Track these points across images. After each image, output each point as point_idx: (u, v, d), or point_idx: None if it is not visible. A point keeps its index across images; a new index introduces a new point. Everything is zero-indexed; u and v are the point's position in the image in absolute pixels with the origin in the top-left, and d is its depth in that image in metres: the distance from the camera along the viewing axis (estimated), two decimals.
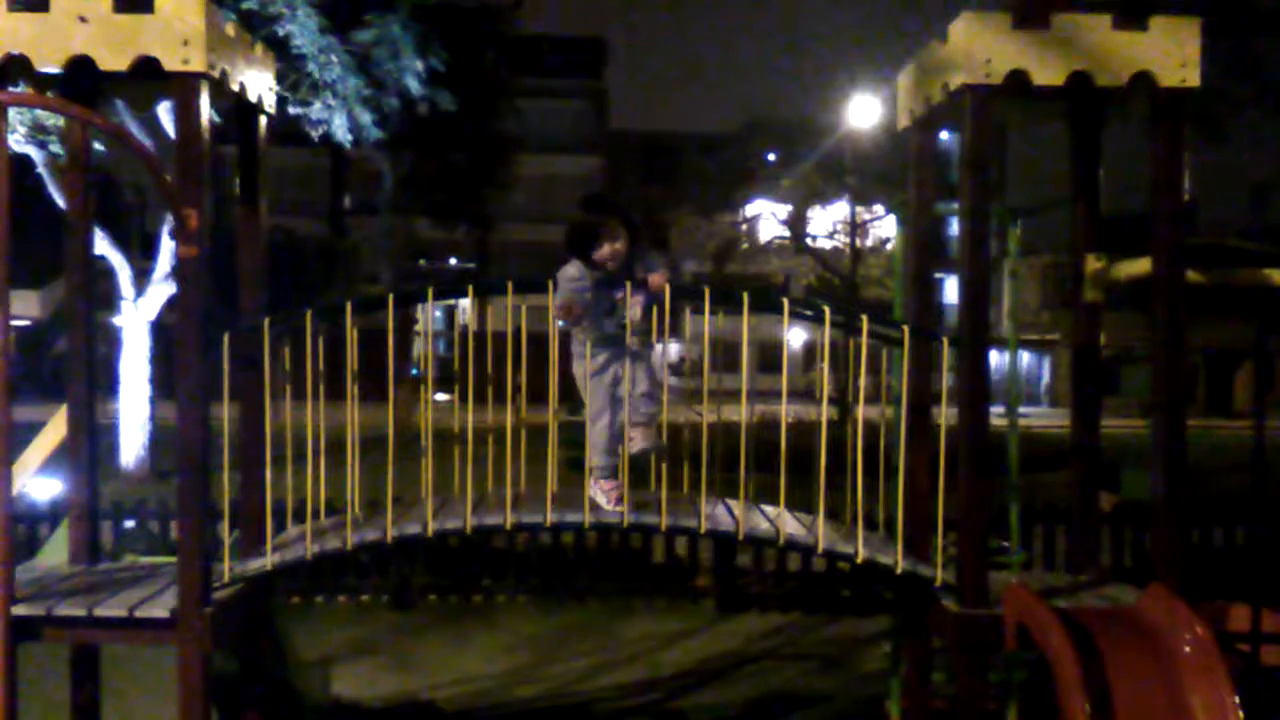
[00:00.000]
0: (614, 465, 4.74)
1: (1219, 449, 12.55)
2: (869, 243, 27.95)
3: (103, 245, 15.46)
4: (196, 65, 4.22)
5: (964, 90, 4.27)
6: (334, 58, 13.78)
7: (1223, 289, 4.88)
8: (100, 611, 4.20)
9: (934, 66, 4.61)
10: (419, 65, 14.94)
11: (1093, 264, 4.93)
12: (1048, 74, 4.25)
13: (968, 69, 4.23)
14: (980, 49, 4.22)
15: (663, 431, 4.83)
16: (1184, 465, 4.37)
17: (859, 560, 4.56)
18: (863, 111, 23.52)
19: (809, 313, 4.93)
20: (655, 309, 4.82)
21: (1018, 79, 4.25)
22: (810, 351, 40.39)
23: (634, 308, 4.71)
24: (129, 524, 8.55)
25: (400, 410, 4.80)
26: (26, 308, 33.90)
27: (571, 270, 4.65)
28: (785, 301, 4.67)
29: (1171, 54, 4.26)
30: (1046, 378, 43.38)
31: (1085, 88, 4.31)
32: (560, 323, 4.63)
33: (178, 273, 4.38)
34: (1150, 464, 4.42)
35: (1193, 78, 4.27)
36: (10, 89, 4.40)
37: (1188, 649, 3.80)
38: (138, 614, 4.20)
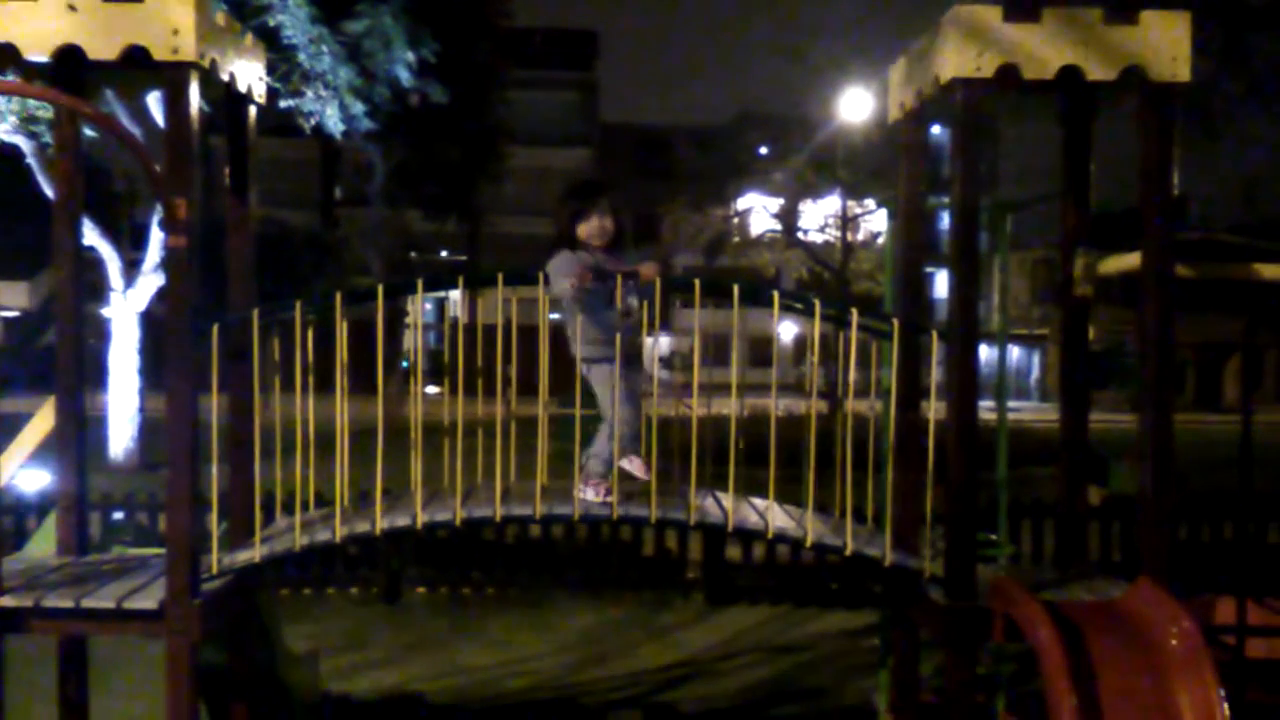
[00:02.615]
0: (607, 470, 4.72)
1: (1208, 443, 12.60)
2: (860, 237, 27.96)
3: (92, 236, 15.41)
4: (186, 55, 4.20)
5: (954, 84, 4.27)
6: (325, 48, 13.75)
7: (1213, 284, 4.90)
8: (88, 603, 4.18)
9: (925, 60, 4.61)
10: (410, 56, 14.91)
11: (1082, 259, 4.93)
12: (1038, 68, 4.26)
13: (958, 62, 4.23)
14: (971, 43, 4.22)
15: (652, 427, 4.83)
16: (1171, 460, 4.38)
17: (847, 553, 4.57)
18: (855, 105, 23.51)
19: (799, 306, 4.93)
20: (645, 302, 4.82)
21: (1008, 73, 4.25)
22: (801, 345, 40.47)
23: (629, 297, 4.71)
24: (117, 516, 8.53)
25: (390, 402, 4.79)
26: (15, 298, 33.79)
27: (562, 258, 4.65)
28: (776, 294, 4.66)
29: (1162, 48, 4.26)
30: (1036, 372, 43.51)
31: (1076, 82, 4.31)
32: (567, 293, 4.58)
33: (166, 262, 4.37)
34: (1138, 458, 4.43)
35: (1183, 72, 4.28)
36: None
37: (1174, 642, 3.81)
38: (126, 606, 4.18)
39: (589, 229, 4.71)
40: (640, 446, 4.75)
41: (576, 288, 4.53)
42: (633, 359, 4.80)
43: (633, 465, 4.71)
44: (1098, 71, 4.27)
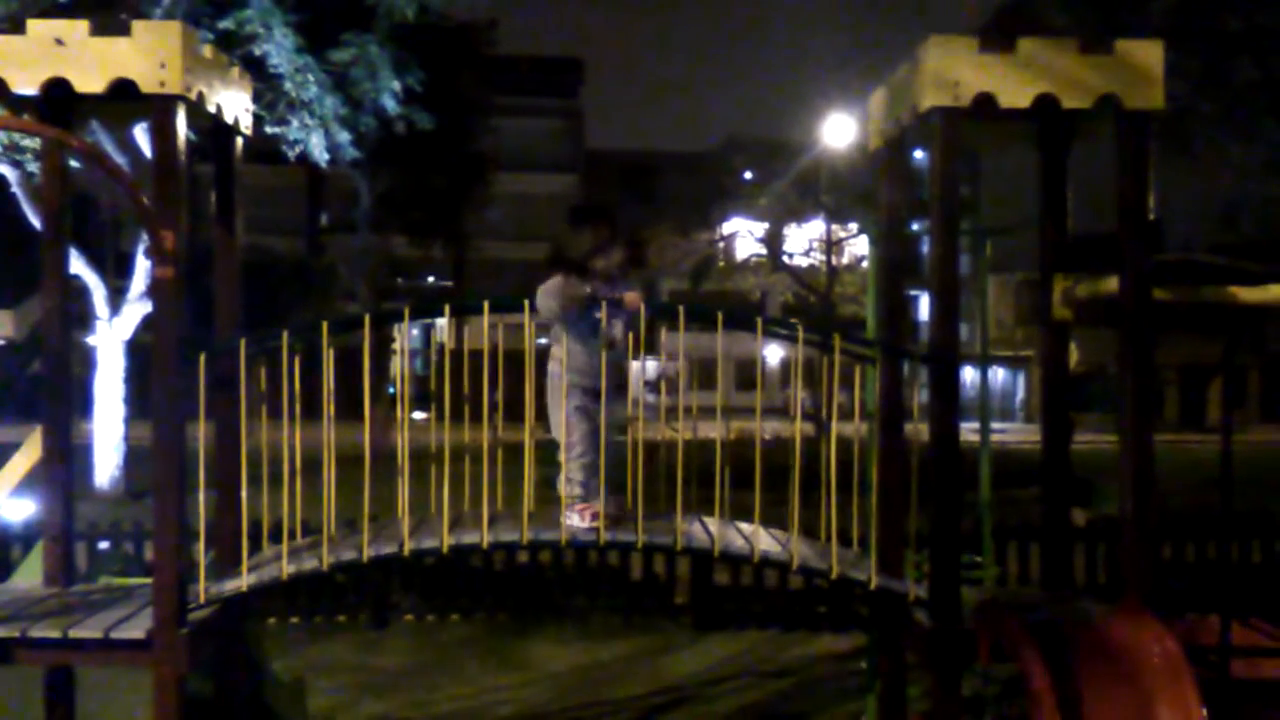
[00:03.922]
0: (589, 492, 4.74)
1: (1192, 463, 12.68)
2: (844, 260, 28.09)
3: (77, 264, 15.37)
4: (173, 87, 4.24)
5: (933, 112, 4.34)
6: (311, 77, 13.81)
7: (1193, 306, 4.95)
8: (75, 633, 4.18)
9: (904, 89, 4.68)
10: (396, 84, 14.98)
11: (1061, 283, 5.00)
12: (1015, 96, 4.33)
13: (936, 91, 4.30)
14: (949, 72, 4.30)
15: (638, 452, 4.86)
16: (1153, 481, 4.42)
17: (833, 576, 4.60)
18: (838, 130, 23.68)
19: (784, 331, 4.98)
20: (631, 334, 4.87)
21: (985, 101, 4.33)
22: (787, 369, 40.49)
23: (614, 326, 4.75)
24: (104, 545, 8.48)
25: (376, 429, 4.81)
26: (0, 327, 33.62)
27: (555, 283, 4.70)
28: (760, 320, 4.71)
29: (1136, 77, 4.34)
30: (1021, 394, 43.65)
31: (1052, 110, 4.39)
32: (553, 312, 4.64)
33: (153, 292, 4.39)
34: (1120, 479, 4.48)
35: (1157, 100, 4.36)
36: None
37: (1157, 662, 3.85)
38: (113, 636, 4.18)
39: (609, 262, 4.76)
40: (597, 485, 4.77)
41: (562, 311, 4.60)
42: (616, 387, 4.85)
43: (575, 514, 4.75)
44: (1073, 100, 4.35)
